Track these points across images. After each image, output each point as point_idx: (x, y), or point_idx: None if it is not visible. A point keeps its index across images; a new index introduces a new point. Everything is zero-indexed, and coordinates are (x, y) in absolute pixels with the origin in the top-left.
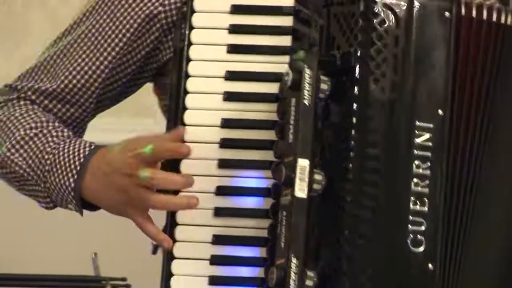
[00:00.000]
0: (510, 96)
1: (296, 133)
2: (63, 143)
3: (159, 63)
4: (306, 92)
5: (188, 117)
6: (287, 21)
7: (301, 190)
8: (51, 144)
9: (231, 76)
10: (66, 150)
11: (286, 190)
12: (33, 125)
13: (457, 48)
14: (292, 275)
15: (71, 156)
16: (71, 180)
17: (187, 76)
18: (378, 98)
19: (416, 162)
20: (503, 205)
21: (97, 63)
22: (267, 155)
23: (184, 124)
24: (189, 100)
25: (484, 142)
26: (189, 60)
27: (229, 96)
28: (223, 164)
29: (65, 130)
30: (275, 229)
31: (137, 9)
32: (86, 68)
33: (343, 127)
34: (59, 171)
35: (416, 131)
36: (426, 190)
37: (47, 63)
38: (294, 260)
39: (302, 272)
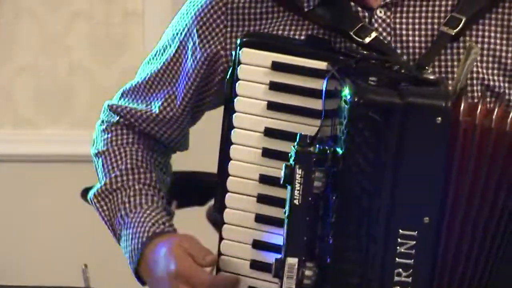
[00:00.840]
0: None
1: (286, 231)
2: (132, 214)
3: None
4: (296, 192)
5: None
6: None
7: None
8: (127, 206)
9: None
10: (131, 226)
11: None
12: (123, 167)
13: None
14: None
15: (136, 234)
16: (131, 262)
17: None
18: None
19: (398, 270)
20: None
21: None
22: None
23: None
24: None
25: None
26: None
27: (267, 152)
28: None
29: (141, 184)
30: None
31: (205, 48)
32: (176, 94)
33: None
34: (129, 242)
35: (398, 239)
36: None
37: (144, 86)
38: None
39: None
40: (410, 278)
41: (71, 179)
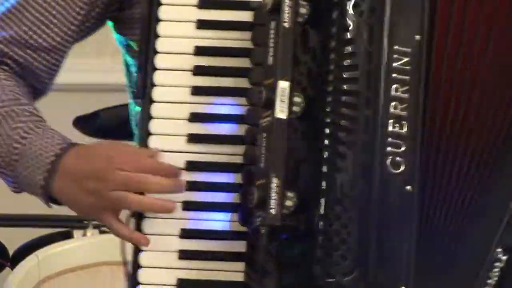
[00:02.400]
0: None
1: (276, 55)
2: (33, 133)
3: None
4: (286, 15)
5: (160, 44)
6: None
7: (281, 112)
8: (20, 132)
9: (205, 4)
10: (37, 144)
11: (266, 113)
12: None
13: None
14: (273, 195)
15: (41, 151)
16: (41, 177)
17: (159, 3)
18: (357, 21)
19: (395, 85)
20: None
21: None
22: (240, 83)
23: (157, 52)
24: (162, 28)
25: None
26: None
27: (203, 24)
28: (196, 91)
29: (34, 110)
30: (252, 153)
31: None
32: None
33: (321, 51)
34: (29, 165)
35: (394, 55)
36: (405, 113)
37: (14, 11)
38: (274, 180)
39: (282, 192)
40: (407, 94)
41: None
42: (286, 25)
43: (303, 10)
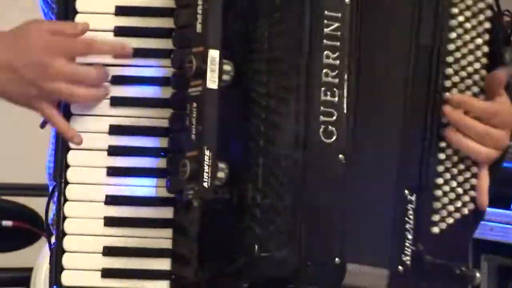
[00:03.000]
0: None
1: (205, 22)
2: None
3: None
4: None
5: (80, 4)
6: None
7: (212, 82)
8: None
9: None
10: None
11: (195, 81)
12: None
13: None
14: (206, 168)
15: None
16: None
17: None
18: None
19: (326, 52)
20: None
21: None
22: (163, 43)
23: (76, 12)
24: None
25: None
26: None
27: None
28: None
29: None
30: (180, 119)
31: None
32: None
33: (251, 15)
34: None
35: (325, 21)
36: (336, 80)
37: None
38: (207, 153)
39: (214, 164)
40: (338, 61)
41: None
42: None
43: None
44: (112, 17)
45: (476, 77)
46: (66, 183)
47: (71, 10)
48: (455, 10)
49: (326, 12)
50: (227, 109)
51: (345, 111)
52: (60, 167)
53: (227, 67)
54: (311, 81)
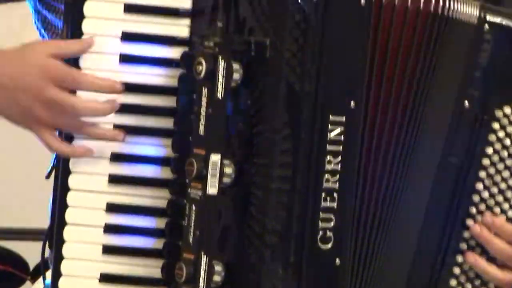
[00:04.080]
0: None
1: (208, 127)
2: None
3: None
4: (219, 85)
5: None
6: None
7: (213, 187)
8: None
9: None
10: None
11: (196, 183)
12: None
13: (375, 37)
14: (202, 273)
15: None
16: None
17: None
18: (291, 89)
19: (328, 157)
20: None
21: None
22: (165, 123)
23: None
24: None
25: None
26: (83, 16)
27: (125, 58)
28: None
29: None
30: (177, 225)
31: None
32: None
33: (253, 115)
34: None
35: (329, 125)
36: (336, 185)
37: None
38: (204, 258)
39: (210, 268)
40: (339, 165)
41: None
42: (219, 96)
43: (236, 76)
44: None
45: (509, 194)
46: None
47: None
48: (496, 125)
49: (331, 117)
50: (226, 211)
51: (344, 216)
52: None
53: (228, 170)
54: (312, 186)
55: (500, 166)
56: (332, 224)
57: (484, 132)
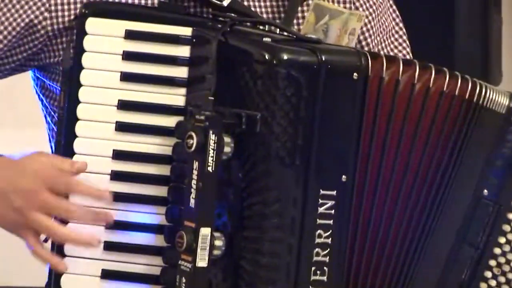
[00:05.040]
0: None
1: (199, 200)
2: None
3: (41, 62)
4: (210, 158)
5: (78, 146)
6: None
7: (202, 260)
8: None
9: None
10: None
11: (185, 256)
12: None
13: (362, 110)
14: None
15: None
16: None
17: (79, 102)
18: (282, 163)
19: (319, 231)
20: None
21: None
22: (160, 191)
23: (74, 153)
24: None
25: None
26: (80, 85)
27: (122, 127)
28: (115, 197)
29: None
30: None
31: (17, 14)
32: None
33: (243, 189)
34: None
35: (320, 200)
36: (327, 259)
37: None
38: None
39: None
40: (330, 239)
41: None
42: (210, 169)
43: (227, 149)
44: (110, 160)
45: None
46: None
47: None
48: (511, 216)
49: (321, 191)
50: (215, 279)
51: None
52: None
53: (218, 243)
54: (302, 260)
55: (510, 256)
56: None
57: (498, 221)
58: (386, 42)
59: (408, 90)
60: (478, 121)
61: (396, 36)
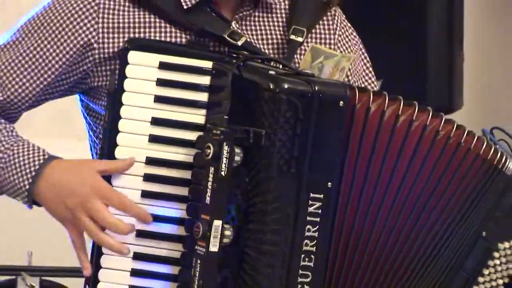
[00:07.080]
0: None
1: (213, 198)
2: (16, 145)
3: (87, 86)
4: (223, 165)
5: (118, 153)
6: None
7: (214, 246)
8: (4, 143)
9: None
10: (21, 153)
11: (201, 242)
12: None
13: (349, 132)
14: None
15: (26, 161)
16: (26, 183)
17: (120, 117)
18: (280, 171)
19: (308, 226)
20: None
21: (37, 82)
22: (182, 190)
23: (115, 159)
24: (121, 139)
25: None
26: (121, 104)
27: (154, 139)
28: (146, 195)
29: (14, 130)
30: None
31: (77, 33)
32: (27, 85)
33: (249, 189)
34: (14, 171)
35: (310, 201)
36: (314, 249)
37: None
38: None
39: None
40: (317, 233)
41: None
42: (223, 173)
43: (237, 158)
44: (142, 165)
45: None
46: None
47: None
48: (496, 254)
49: (311, 194)
50: (224, 264)
51: (319, 274)
52: None
53: (227, 233)
54: (294, 247)
55: (489, 284)
56: (309, 279)
57: (486, 257)
58: (361, 81)
59: (392, 120)
60: (494, 184)
61: (367, 77)
